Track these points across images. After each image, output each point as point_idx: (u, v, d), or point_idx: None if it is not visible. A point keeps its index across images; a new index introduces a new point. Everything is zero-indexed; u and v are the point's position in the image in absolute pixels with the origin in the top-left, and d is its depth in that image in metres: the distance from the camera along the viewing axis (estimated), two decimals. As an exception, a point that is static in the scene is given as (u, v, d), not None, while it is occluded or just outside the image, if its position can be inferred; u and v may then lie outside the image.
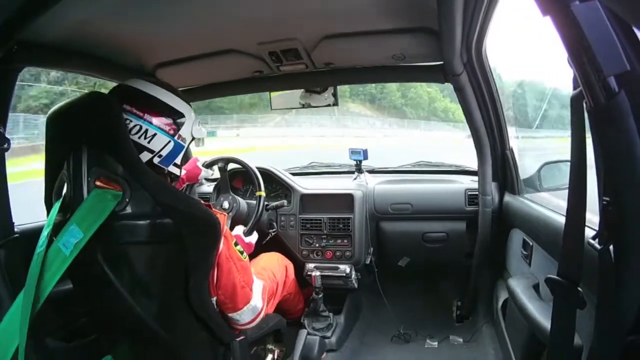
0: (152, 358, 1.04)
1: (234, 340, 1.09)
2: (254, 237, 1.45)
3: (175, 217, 0.86)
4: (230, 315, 1.05)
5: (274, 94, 1.64)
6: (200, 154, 1.76)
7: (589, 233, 0.68)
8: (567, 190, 0.71)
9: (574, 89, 0.66)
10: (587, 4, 0.52)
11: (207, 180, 2.05)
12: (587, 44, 0.53)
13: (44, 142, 0.91)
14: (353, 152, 1.96)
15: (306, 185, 1.91)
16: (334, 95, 1.57)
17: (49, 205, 0.92)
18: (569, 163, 0.71)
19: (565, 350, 0.74)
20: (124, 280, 0.87)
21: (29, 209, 1.24)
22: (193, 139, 1.01)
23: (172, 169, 0.96)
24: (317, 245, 1.82)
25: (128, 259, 0.88)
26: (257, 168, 1.72)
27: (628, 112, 0.55)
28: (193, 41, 1.24)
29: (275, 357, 1.36)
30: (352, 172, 2.03)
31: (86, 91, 0.88)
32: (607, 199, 0.62)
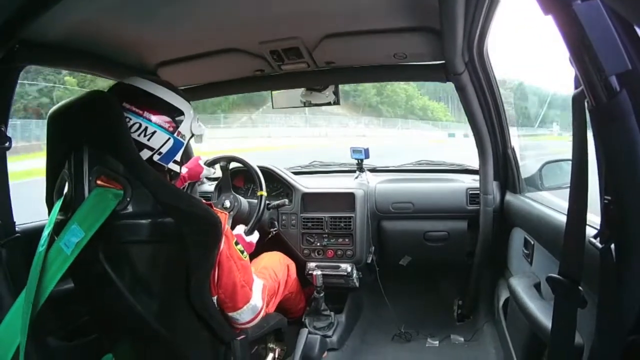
0: (153, 357, 1.04)
1: (234, 339, 1.09)
2: (255, 237, 1.45)
3: (177, 216, 0.87)
4: (230, 314, 1.06)
5: (275, 93, 1.64)
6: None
7: (590, 232, 0.68)
8: (568, 189, 0.71)
9: (576, 88, 0.65)
10: (588, 3, 0.52)
11: (209, 179, 2.05)
12: (588, 43, 0.53)
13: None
14: (354, 150, 1.96)
15: (307, 184, 1.91)
16: (335, 93, 1.57)
17: (50, 205, 0.92)
18: (570, 162, 0.71)
19: (566, 350, 0.74)
20: (125, 280, 0.87)
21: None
22: (192, 135, 1.01)
23: (172, 166, 0.97)
24: (318, 244, 1.82)
25: (129, 258, 0.88)
26: (259, 167, 1.72)
27: (629, 111, 0.55)
28: (195, 40, 1.25)
29: (276, 356, 1.36)
30: (354, 171, 2.03)
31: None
32: (609, 197, 0.62)
